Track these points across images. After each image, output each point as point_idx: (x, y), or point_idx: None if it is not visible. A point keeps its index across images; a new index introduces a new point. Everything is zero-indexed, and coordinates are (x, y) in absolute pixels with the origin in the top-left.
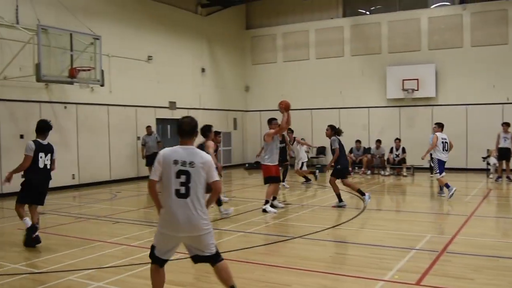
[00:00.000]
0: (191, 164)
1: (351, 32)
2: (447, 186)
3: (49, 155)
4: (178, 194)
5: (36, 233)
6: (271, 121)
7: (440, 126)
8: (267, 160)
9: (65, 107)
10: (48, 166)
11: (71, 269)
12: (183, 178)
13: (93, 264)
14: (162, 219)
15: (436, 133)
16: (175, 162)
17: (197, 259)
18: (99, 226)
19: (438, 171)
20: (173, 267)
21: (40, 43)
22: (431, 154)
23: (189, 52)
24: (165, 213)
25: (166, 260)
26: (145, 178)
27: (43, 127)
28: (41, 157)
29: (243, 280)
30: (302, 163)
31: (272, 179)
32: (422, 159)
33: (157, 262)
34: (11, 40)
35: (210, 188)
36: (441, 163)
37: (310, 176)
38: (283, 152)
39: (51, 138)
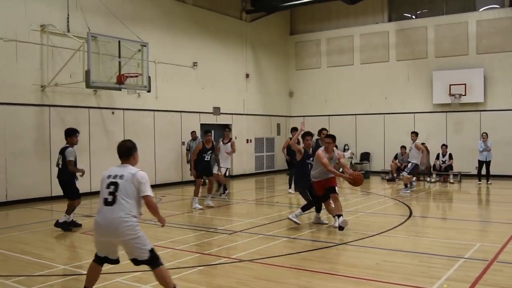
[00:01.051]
0: (121, 176)
1: (396, 37)
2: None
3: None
4: (106, 202)
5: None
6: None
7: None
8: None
9: (113, 113)
10: (60, 166)
11: (118, 271)
12: (111, 188)
13: (140, 267)
14: (93, 225)
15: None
16: (109, 176)
17: (135, 262)
18: (145, 230)
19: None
20: (219, 271)
21: (89, 51)
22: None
23: (233, 58)
24: (95, 220)
25: (115, 259)
26: (190, 182)
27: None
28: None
29: (289, 286)
30: None
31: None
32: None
33: (97, 261)
34: (62, 48)
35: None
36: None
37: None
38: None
39: (100, 143)
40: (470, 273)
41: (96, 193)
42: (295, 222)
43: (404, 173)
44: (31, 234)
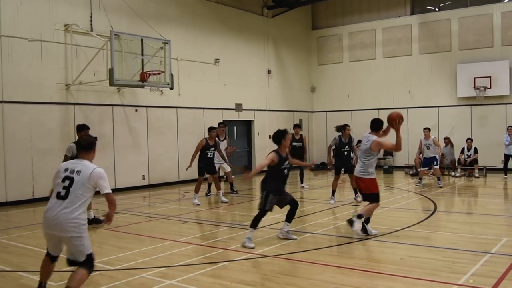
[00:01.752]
0: (78, 172)
1: (419, 30)
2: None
3: None
4: (59, 195)
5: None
6: (380, 126)
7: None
8: (372, 173)
9: (136, 110)
10: None
11: (143, 267)
12: (66, 183)
13: (165, 262)
14: (43, 217)
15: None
16: (65, 170)
17: (70, 262)
18: (169, 226)
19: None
20: (243, 266)
21: (113, 49)
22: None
23: (255, 54)
24: (44, 212)
25: (56, 256)
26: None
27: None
28: None
29: (313, 281)
30: None
31: (376, 196)
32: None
33: (48, 255)
34: (86, 46)
35: None
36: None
37: None
38: (299, 152)
39: (123, 140)
40: (496, 268)
41: (121, 189)
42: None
43: (437, 166)
44: None
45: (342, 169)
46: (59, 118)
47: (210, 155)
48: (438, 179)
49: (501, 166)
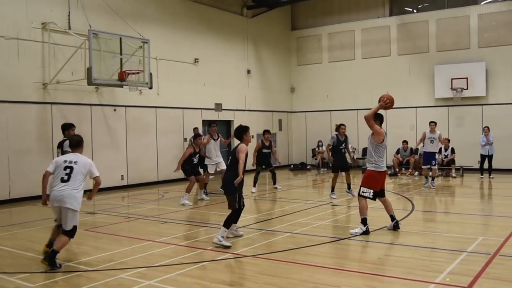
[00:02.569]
0: (75, 162)
1: (398, 31)
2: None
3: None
4: (62, 180)
5: None
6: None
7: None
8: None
9: (115, 110)
10: None
11: (122, 267)
12: (68, 170)
13: (143, 263)
14: (50, 196)
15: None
16: (65, 161)
17: (57, 227)
18: (148, 226)
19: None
20: (222, 266)
21: (91, 48)
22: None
23: (234, 54)
24: (51, 192)
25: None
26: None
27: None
28: None
29: (291, 281)
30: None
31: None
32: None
33: (57, 226)
34: (63, 45)
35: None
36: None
37: None
38: (268, 159)
39: (102, 139)
40: (473, 266)
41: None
42: (225, 246)
43: (435, 166)
44: (34, 231)
45: (340, 166)
46: (36, 118)
47: (195, 161)
48: (433, 179)
49: (477, 166)
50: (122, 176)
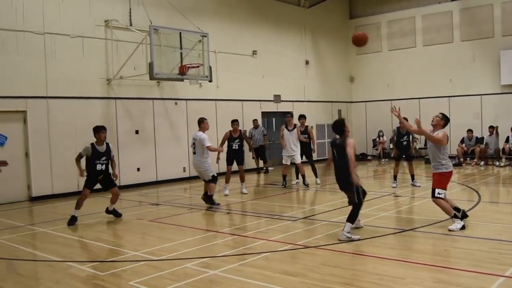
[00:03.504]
0: (194, 139)
1: (460, 16)
2: None
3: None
4: (194, 153)
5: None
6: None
7: None
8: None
9: (176, 103)
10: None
11: (186, 257)
12: (193, 146)
13: (207, 253)
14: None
15: None
16: (193, 139)
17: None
18: (211, 217)
19: None
20: (285, 257)
21: (152, 43)
22: None
23: (292, 45)
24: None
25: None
26: (252, 170)
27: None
28: None
29: (355, 272)
30: None
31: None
32: None
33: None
34: (125, 41)
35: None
36: None
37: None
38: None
39: (164, 133)
40: None
41: (163, 181)
42: (354, 239)
43: None
44: (102, 223)
45: (403, 156)
46: (101, 113)
47: (235, 146)
48: None
49: None
50: (184, 168)
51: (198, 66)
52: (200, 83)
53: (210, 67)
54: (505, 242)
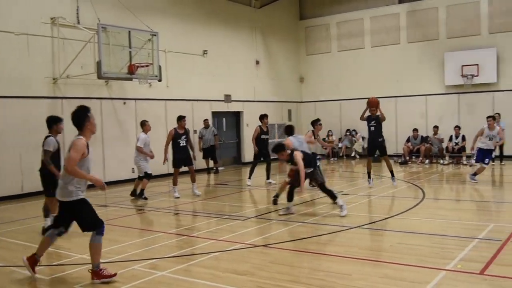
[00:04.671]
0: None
1: (407, 19)
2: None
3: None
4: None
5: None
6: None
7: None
8: None
9: (124, 103)
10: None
11: (134, 259)
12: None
13: (156, 254)
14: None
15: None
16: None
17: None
18: (160, 218)
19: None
20: (234, 256)
21: (100, 42)
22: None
23: (243, 44)
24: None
25: None
26: (202, 170)
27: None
28: None
29: (303, 270)
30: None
31: None
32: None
33: None
34: (73, 40)
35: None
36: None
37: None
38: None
39: (112, 133)
40: (484, 253)
41: (111, 182)
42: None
43: (487, 165)
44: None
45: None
46: (47, 113)
47: (183, 143)
48: (475, 174)
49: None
50: (133, 169)
51: (147, 66)
52: (149, 83)
53: (160, 67)
54: (448, 237)
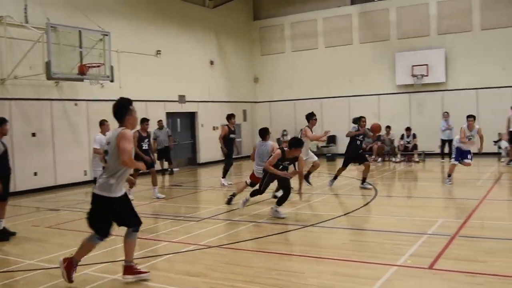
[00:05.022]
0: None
1: (359, 20)
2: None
3: None
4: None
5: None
6: None
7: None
8: None
9: (76, 104)
10: None
11: (85, 263)
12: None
13: (107, 258)
14: None
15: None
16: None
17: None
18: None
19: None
20: (188, 257)
21: (49, 41)
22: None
23: (197, 45)
24: None
25: None
26: (157, 172)
27: None
28: None
29: (256, 269)
30: None
31: None
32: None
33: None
34: (20, 39)
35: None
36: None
37: None
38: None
39: (64, 135)
40: (433, 248)
41: (63, 186)
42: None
43: (470, 161)
44: None
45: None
46: None
47: (145, 147)
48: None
49: (438, 150)
50: (85, 171)
51: (99, 66)
52: (101, 83)
53: (112, 67)
54: (399, 233)
